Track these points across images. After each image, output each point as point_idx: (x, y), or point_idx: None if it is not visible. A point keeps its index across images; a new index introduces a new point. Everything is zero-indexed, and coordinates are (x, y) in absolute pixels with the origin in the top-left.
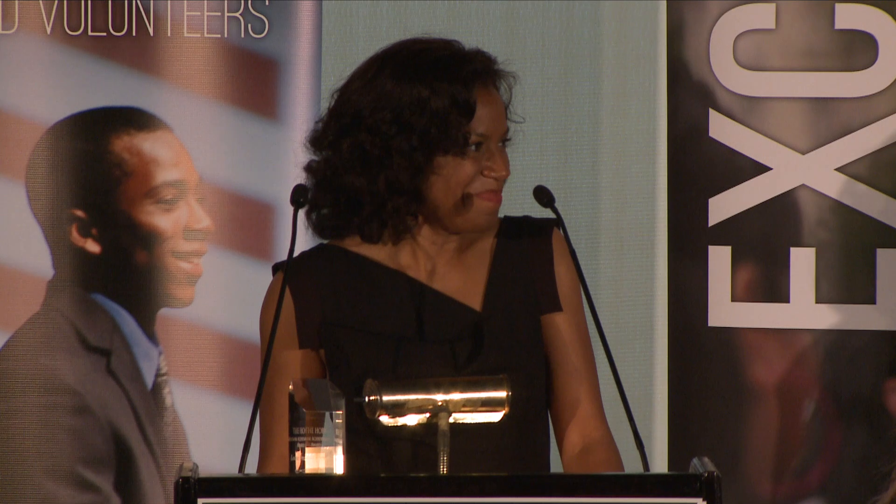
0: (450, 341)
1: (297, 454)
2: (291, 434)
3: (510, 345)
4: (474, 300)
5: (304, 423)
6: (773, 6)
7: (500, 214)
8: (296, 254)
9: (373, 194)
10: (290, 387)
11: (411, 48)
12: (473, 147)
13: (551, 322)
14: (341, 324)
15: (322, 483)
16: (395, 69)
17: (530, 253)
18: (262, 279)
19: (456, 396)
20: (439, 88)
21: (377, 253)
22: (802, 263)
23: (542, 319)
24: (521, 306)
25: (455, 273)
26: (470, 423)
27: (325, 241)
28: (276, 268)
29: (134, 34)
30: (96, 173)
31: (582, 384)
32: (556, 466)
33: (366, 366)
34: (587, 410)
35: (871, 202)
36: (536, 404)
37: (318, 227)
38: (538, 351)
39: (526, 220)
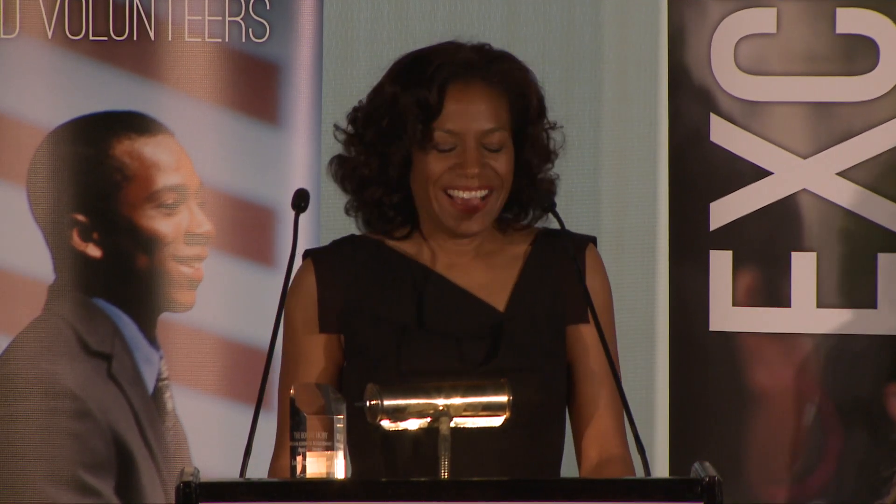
0: (468, 338)
1: (299, 459)
2: (293, 438)
3: (529, 348)
4: (499, 301)
5: (305, 428)
6: (774, 10)
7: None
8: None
9: (351, 181)
10: (291, 391)
11: (411, 52)
12: (450, 145)
13: (578, 334)
14: (362, 311)
15: (323, 487)
16: (388, 71)
17: (563, 264)
18: (263, 283)
19: (457, 401)
20: (408, 87)
21: (407, 247)
22: (803, 268)
23: (568, 331)
24: (547, 313)
25: (482, 272)
26: (478, 426)
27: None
28: (306, 254)
29: (135, 38)
30: (97, 178)
31: (603, 399)
32: (567, 473)
33: (380, 356)
34: (607, 426)
35: (872, 206)
36: (551, 410)
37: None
38: (559, 358)
39: (564, 233)
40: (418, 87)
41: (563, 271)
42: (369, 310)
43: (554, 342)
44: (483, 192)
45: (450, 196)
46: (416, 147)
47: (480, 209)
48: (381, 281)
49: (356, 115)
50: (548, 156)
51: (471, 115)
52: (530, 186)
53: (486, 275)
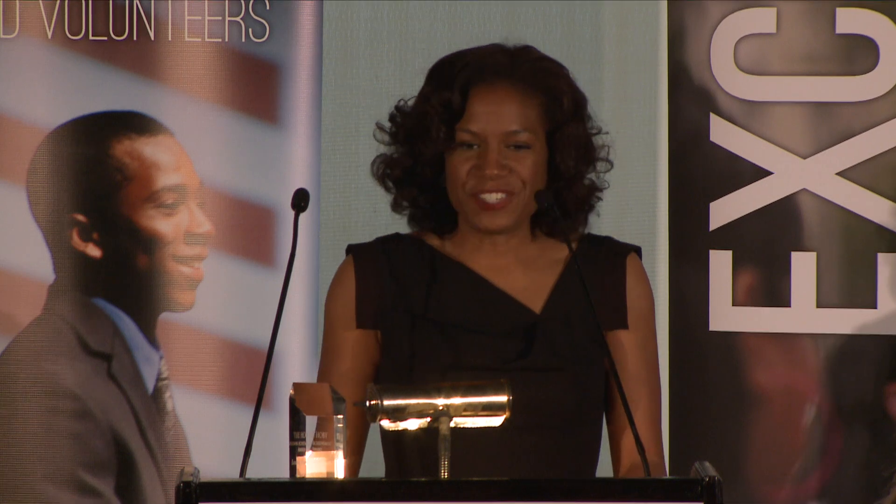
0: (502, 336)
1: (299, 458)
2: (292, 438)
3: (563, 349)
4: (536, 303)
5: (305, 428)
6: (774, 10)
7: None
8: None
9: (391, 180)
10: (291, 391)
11: (449, 53)
12: (475, 146)
13: (616, 340)
14: (398, 308)
15: (323, 487)
16: (427, 73)
17: (604, 270)
18: (263, 283)
19: (457, 401)
20: (436, 89)
21: (449, 247)
22: (803, 268)
23: (606, 337)
24: (583, 317)
25: (521, 276)
26: (478, 426)
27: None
28: (349, 249)
29: (135, 38)
30: (97, 178)
31: (639, 407)
32: (602, 472)
33: (415, 352)
34: (641, 434)
35: (872, 206)
36: (584, 411)
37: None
38: (594, 361)
39: (607, 240)
40: (444, 89)
41: (602, 277)
42: (406, 307)
43: (590, 346)
44: (502, 195)
45: (474, 196)
46: (441, 147)
47: (501, 207)
48: (420, 279)
49: (394, 115)
50: (587, 159)
51: (494, 117)
52: (566, 190)
53: (526, 278)
